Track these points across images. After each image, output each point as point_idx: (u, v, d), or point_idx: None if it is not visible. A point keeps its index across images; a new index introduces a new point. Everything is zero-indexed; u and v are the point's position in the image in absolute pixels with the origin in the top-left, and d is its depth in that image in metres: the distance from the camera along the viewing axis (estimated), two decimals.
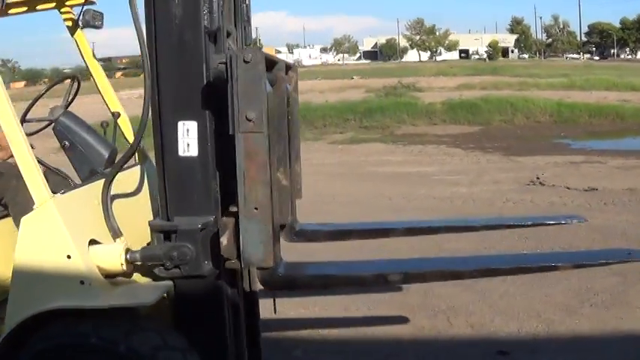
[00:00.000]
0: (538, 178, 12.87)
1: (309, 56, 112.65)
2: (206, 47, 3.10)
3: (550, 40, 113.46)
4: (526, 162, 15.52)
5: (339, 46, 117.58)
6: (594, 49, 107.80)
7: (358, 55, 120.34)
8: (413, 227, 4.45)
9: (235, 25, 3.65)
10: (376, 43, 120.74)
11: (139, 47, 3.07)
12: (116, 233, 3.31)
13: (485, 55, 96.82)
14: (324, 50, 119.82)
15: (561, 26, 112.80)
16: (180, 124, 3.11)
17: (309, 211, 10.43)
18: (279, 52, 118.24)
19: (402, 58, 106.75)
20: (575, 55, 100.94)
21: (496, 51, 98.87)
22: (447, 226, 4.63)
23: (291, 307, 6.24)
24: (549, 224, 5.15)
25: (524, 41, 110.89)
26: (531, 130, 22.71)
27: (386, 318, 6.08)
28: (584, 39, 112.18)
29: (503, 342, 5.47)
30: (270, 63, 3.40)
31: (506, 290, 6.49)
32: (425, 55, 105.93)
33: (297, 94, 4.07)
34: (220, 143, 3.10)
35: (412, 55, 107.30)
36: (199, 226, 3.15)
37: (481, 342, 5.55)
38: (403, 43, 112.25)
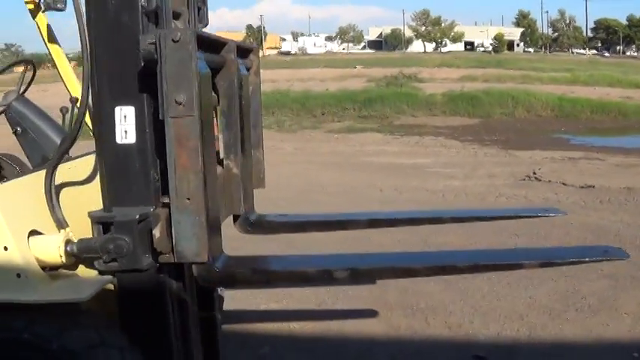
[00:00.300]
0: (534, 173, 12.56)
1: (313, 44, 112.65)
2: (144, 28, 2.83)
3: (556, 34, 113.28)
4: (524, 156, 15.22)
5: (344, 35, 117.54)
6: (600, 44, 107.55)
7: (363, 44, 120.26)
8: (375, 219, 4.17)
9: (188, 6, 3.37)
10: (381, 33, 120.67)
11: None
12: (61, 224, 3.05)
13: (490, 48, 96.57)
14: (329, 39, 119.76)
15: (567, 21, 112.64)
16: (117, 109, 2.87)
17: (296, 201, 10.36)
18: (283, 39, 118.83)
19: (406, 49, 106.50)
20: (581, 51, 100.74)
21: (502, 44, 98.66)
22: (412, 218, 4.29)
23: (263, 301, 6.02)
24: (525, 217, 4.81)
25: (530, 35, 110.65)
26: (532, 124, 22.44)
27: (361, 315, 5.80)
28: (590, 35, 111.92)
29: (481, 345, 5.17)
30: (219, 44, 3.18)
31: (490, 290, 6.20)
32: (430, 46, 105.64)
33: (259, 79, 3.84)
34: (159, 130, 2.83)
35: (417, 46, 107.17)
36: (137, 217, 2.89)
37: (458, 344, 5.26)
38: (408, 33, 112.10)
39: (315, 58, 67.82)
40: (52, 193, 3.03)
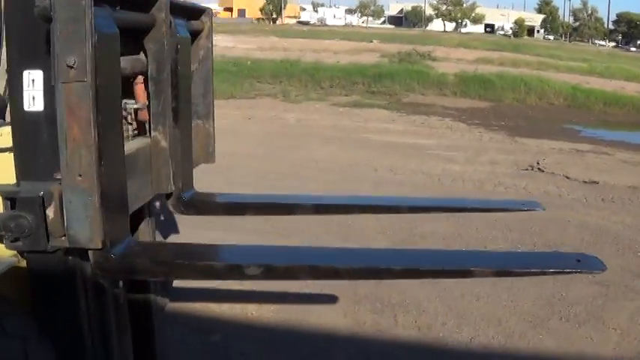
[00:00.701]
0: (538, 164, 12.04)
1: (333, 16, 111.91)
2: None
3: (577, 24, 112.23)
4: (530, 145, 14.68)
5: (365, 8, 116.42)
6: (620, 37, 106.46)
7: (383, 19, 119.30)
8: (322, 204, 3.66)
9: None
10: (402, 9, 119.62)
11: None
12: None
13: (510, 32, 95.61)
14: (349, 11, 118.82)
15: (589, 12, 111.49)
16: (25, 73, 2.54)
17: (286, 175, 9.99)
18: (303, 9, 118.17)
19: (426, 27, 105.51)
20: (602, 42, 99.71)
21: (522, 29, 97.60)
22: (362, 204, 3.75)
23: (223, 282, 5.54)
24: (497, 210, 4.24)
25: (550, 22, 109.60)
26: (542, 111, 21.80)
27: (327, 306, 5.37)
28: (611, 27, 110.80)
29: (450, 351, 4.74)
30: (149, 2, 2.76)
31: (471, 288, 5.72)
32: (450, 26, 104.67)
33: (211, 43, 3.45)
34: None
35: (437, 25, 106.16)
36: (41, 194, 2.50)
37: (424, 348, 4.82)
38: (429, 11, 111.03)
39: (333, 30, 66.92)
40: None
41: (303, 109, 19.49)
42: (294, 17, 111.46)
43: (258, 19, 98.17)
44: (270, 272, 2.50)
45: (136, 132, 2.90)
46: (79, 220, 2.31)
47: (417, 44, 38.28)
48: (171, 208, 3.21)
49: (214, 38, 3.54)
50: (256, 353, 4.68)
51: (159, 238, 4.04)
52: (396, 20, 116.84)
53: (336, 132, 15.25)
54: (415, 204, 3.75)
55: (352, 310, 5.34)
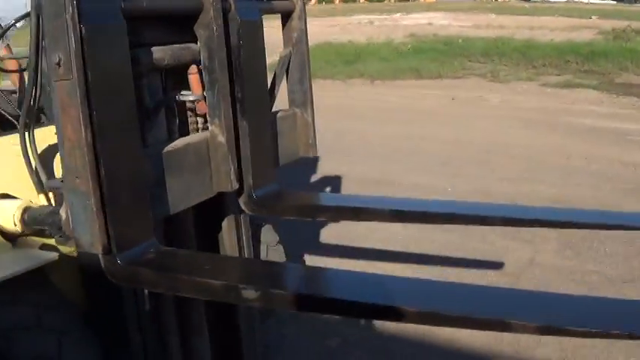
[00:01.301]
0: None
1: None
2: None
3: None
4: None
5: None
6: None
7: None
8: (401, 210, 3.01)
9: None
10: None
11: None
12: (40, 188, 2.58)
13: None
14: None
15: None
16: None
17: (471, 161, 9.42)
18: None
19: None
20: None
21: None
22: (448, 213, 3.01)
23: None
24: (615, 227, 3.14)
25: None
26: None
27: None
28: None
29: None
30: None
31: None
32: None
33: (304, 24, 3.14)
34: None
35: None
36: None
37: None
38: None
39: (555, 7, 63.37)
40: (30, 153, 2.55)
41: (509, 90, 18.56)
42: None
43: None
44: (265, 299, 2.14)
45: (206, 125, 2.70)
46: (81, 223, 2.16)
47: (637, 20, 35.51)
48: (242, 207, 2.96)
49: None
50: None
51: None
52: None
53: (538, 114, 14.30)
54: (511, 215, 2.98)
55: None
